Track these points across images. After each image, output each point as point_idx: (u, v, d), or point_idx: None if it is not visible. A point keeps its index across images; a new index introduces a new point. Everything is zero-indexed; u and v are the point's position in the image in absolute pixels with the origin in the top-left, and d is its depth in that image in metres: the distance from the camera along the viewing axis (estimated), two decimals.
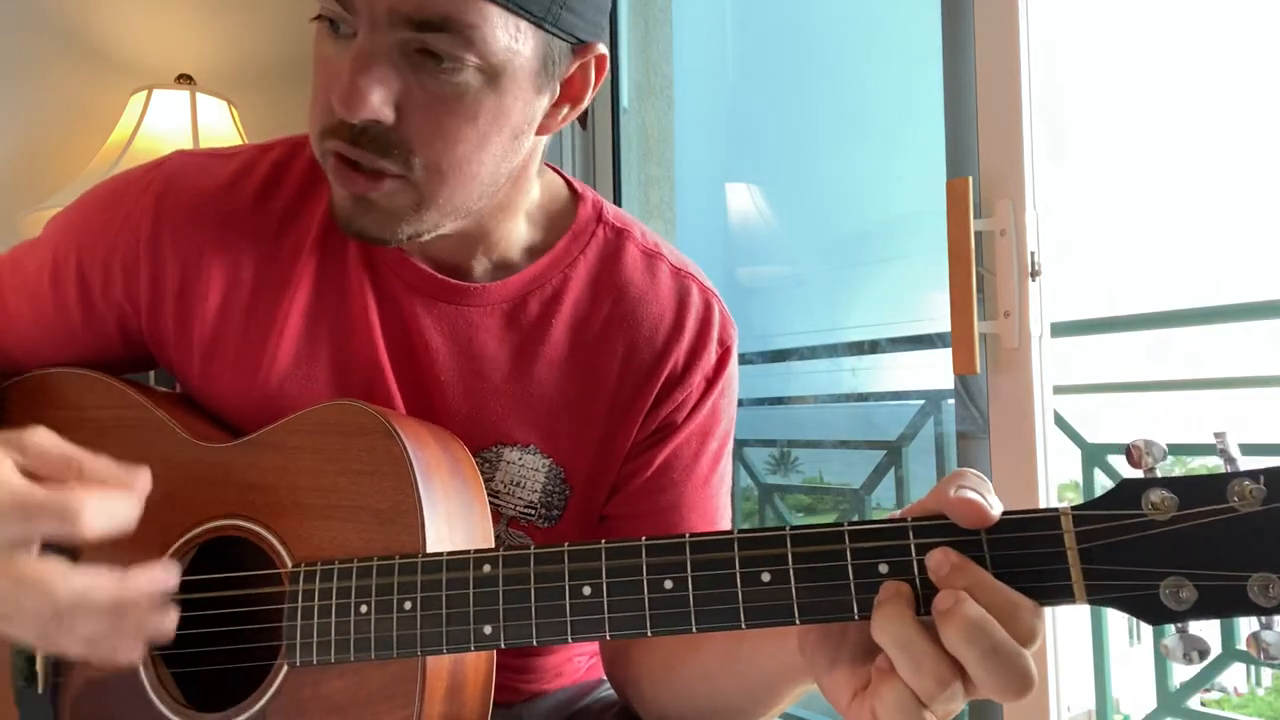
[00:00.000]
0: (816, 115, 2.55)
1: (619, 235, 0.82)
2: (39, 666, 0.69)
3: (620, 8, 2.15)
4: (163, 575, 0.58)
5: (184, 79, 1.97)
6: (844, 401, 2.46)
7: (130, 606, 0.56)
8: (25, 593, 0.54)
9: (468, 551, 0.58)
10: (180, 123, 1.87)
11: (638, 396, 0.78)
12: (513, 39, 0.64)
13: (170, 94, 1.89)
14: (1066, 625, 1.27)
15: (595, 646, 0.94)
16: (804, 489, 2.66)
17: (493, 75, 0.64)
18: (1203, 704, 2.08)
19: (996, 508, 0.49)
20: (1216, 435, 0.48)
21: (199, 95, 1.91)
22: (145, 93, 1.88)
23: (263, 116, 2.06)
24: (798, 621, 0.51)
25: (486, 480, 0.77)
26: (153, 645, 0.62)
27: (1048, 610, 1.26)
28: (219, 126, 1.92)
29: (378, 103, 0.63)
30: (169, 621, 0.58)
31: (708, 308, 0.82)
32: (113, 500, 0.56)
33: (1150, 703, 1.86)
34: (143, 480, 0.59)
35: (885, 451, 2.34)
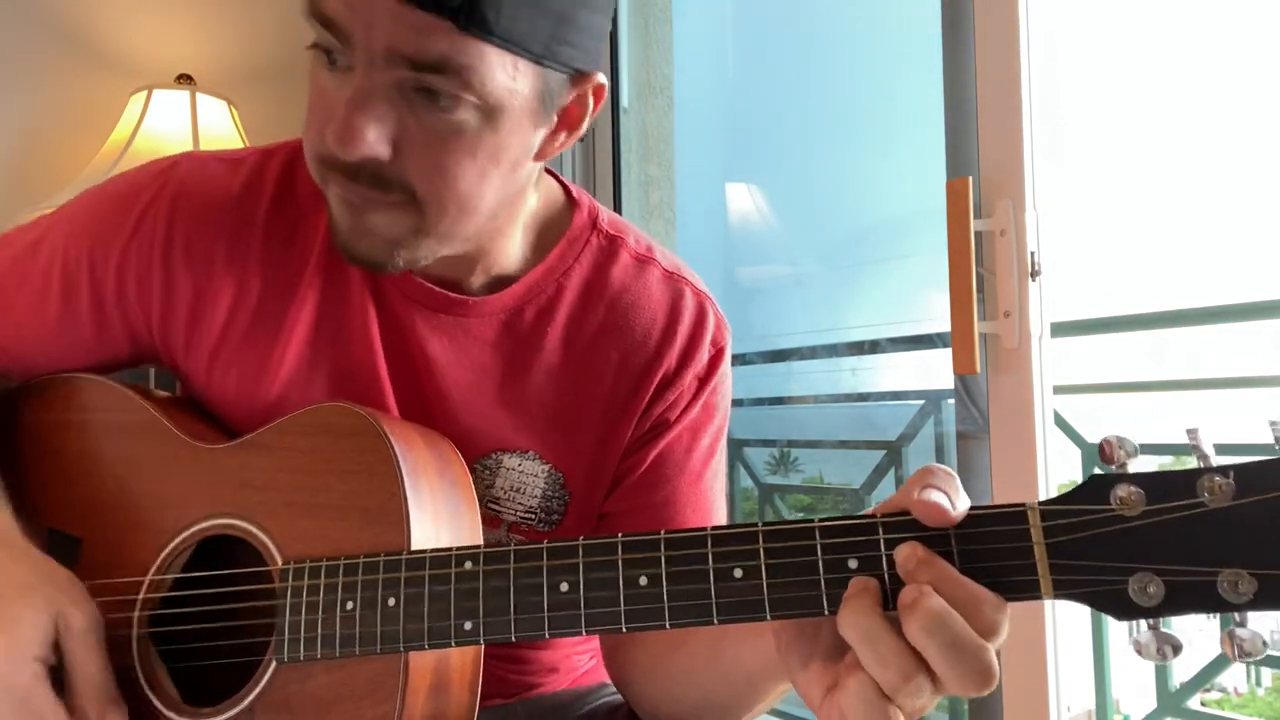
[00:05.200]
0: (816, 115, 2.56)
1: (612, 242, 0.82)
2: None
3: (620, 8, 2.15)
4: None
5: (184, 79, 1.97)
6: (844, 401, 2.46)
7: None
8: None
9: (450, 549, 0.59)
10: (180, 123, 1.87)
11: (632, 400, 0.79)
12: (511, 78, 0.64)
13: (170, 94, 1.89)
14: (1066, 625, 1.27)
15: (595, 647, 0.94)
16: (804, 489, 2.66)
17: (490, 113, 0.64)
18: (1203, 704, 2.08)
19: (961, 507, 0.49)
20: (1189, 431, 0.47)
21: (199, 95, 1.91)
22: (145, 93, 1.87)
23: (263, 116, 2.06)
24: (769, 617, 0.51)
25: (487, 487, 0.78)
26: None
27: (1047, 611, 1.26)
28: (219, 126, 1.92)
29: (373, 140, 0.63)
30: None
31: (700, 310, 0.82)
32: None
33: (1150, 703, 1.87)
34: None
35: (885, 451, 2.35)
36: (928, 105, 1.43)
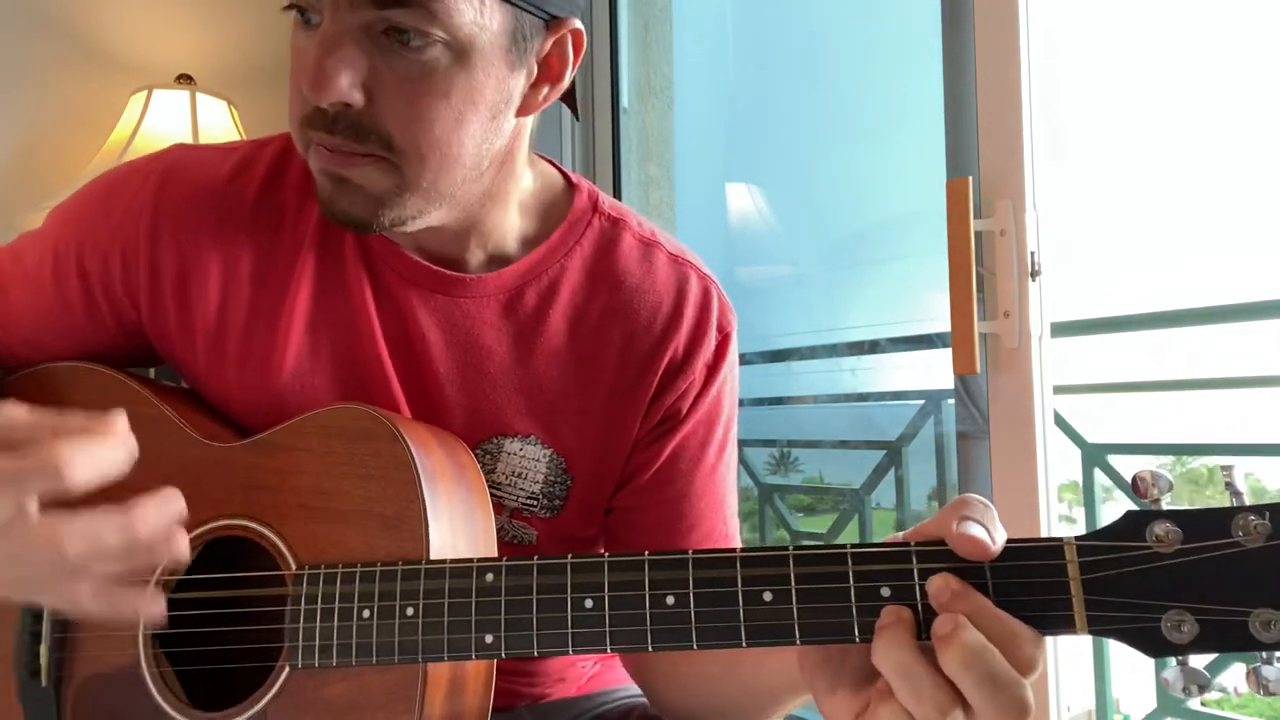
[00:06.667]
0: (816, 115, 2.55)
1: (615, 225, 0.82)
2: (42, 660, 0.70)
3: (620, 8, 2.15)
4: (167, 498, 0.55)
5: (184, 79, 1.97)
6: (844, 401, 2.46)
7: (140, 537, 0.53)
8: (33, 553, 0.52)
9: (471, 560, 0.58)
10: (180, 123, 1.87)
11: (638, 385, 0.78)
12: (478, 13, 0.64)
13: (170, 94, 1.89)
14: None
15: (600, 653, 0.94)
16: (804, 489, 2.66)
17: (460, 51, 0.64)
18: (1203, 704, 2.08)
19: (1000, 540, 0.49)
20: (1224, 469, 0.48)
21: (199, 95, 1.91)
22: (145, 93, 1.88)
23: (263, 116, 2.06)
24: (798, 642, 0.51)
25: (488, 472, 0.77)
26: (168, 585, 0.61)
27: None
28: (219, 126, 1.92)
29: (346, 85, 0.63)
30: (181, 546, 0.55)
31: (706, 294, 0.82)
32: (93, 445, 0.53)
33: (1150, 703, 1.86)
34: (120, 423, 0.55)
35: (885, 451, 2.34)
36: (928, 105, 1.43)
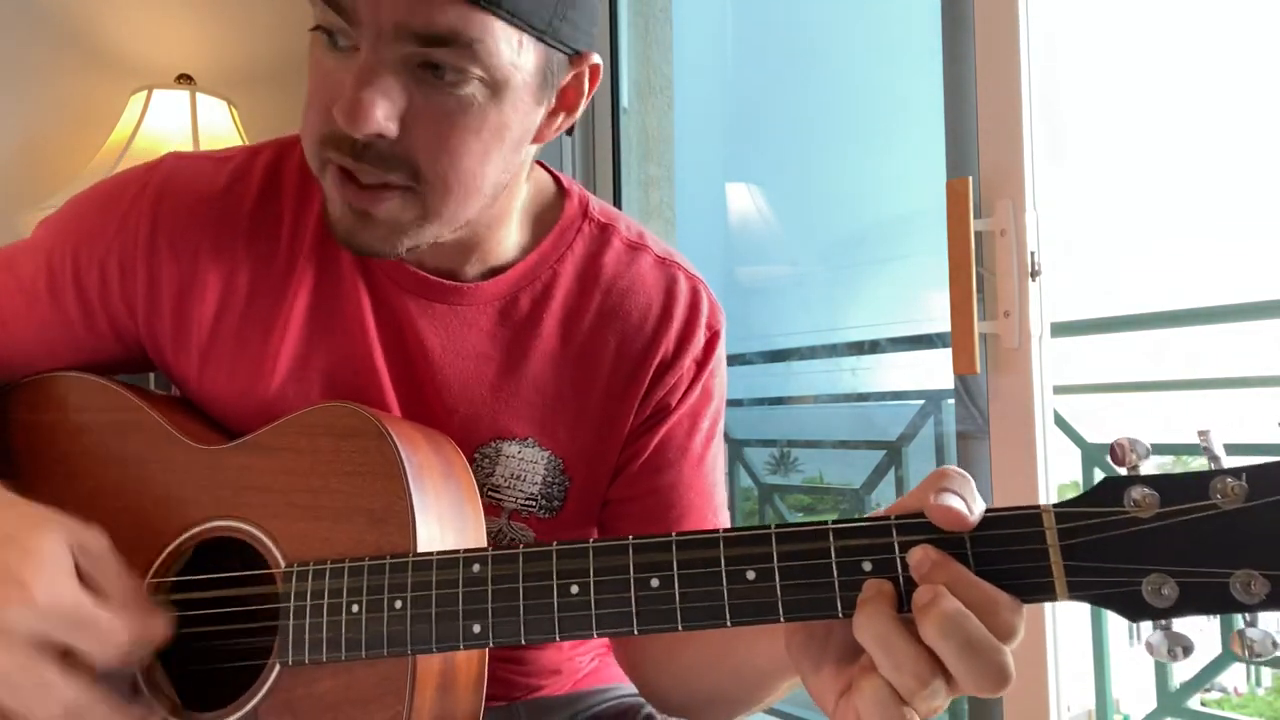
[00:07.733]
0: (816, 115, 2.56)
1: (604, 230, 0.83)
2: None
3: (620, 8, 2.15)
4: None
5: (184, 79, 1.97)
6: (844, 401, 2.46)
7: None
8: (28, 690, 0.56)
9: (457, 551, 0.58)
10: (180, 123, 1.87)
11: (631, 384, 0.80)
12: (515, 52, 0.64)
13: (170, 94, 1.89)
14: (1066, 625, 1.27)
15: (597, 647, 0.95)
16: (804, 489, 2.66)
17: (496, 88, 0.65)
18: (1203, 704, 2.08)
19: (978, 510, 0.49)
20: (1200, 433, 0.48)
21: (199, 95, 1.91)
22: (145, 93, 1.87)
23: (263, 116, 2.06)
24: (782, 619, 0.51)
25: (487, 475, 0.78)
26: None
27: (1048, 611, 1.27)
28: (219, 126, 1.92)
29: (382, 117, 0.63)
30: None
31: (695, 294, 0.83)
32: (143, 640, 0.60)
33: (1150, 703, 1.86)
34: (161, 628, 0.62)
35: (885, 451, 2.35)
36: (928, 105, 1.43)
